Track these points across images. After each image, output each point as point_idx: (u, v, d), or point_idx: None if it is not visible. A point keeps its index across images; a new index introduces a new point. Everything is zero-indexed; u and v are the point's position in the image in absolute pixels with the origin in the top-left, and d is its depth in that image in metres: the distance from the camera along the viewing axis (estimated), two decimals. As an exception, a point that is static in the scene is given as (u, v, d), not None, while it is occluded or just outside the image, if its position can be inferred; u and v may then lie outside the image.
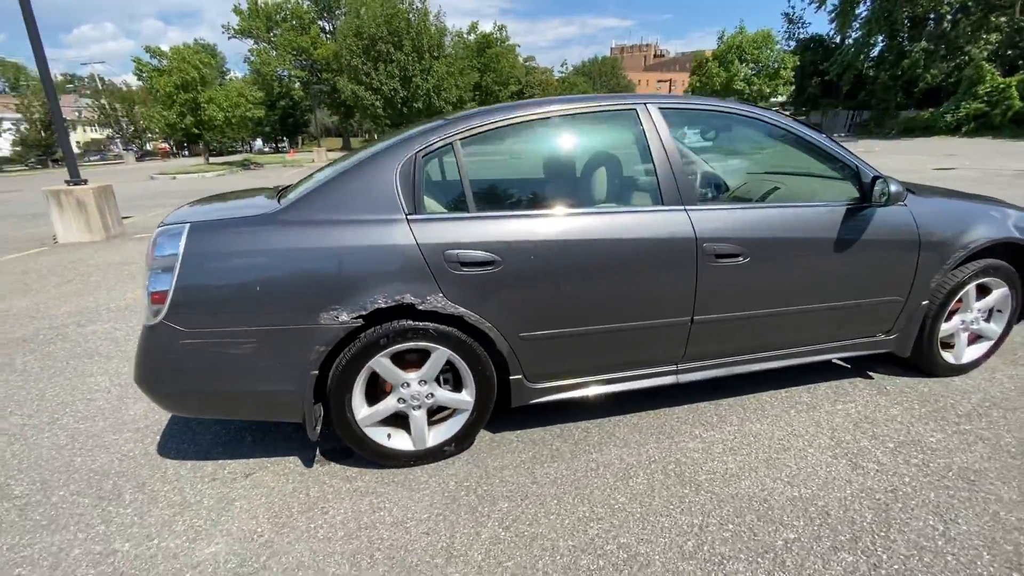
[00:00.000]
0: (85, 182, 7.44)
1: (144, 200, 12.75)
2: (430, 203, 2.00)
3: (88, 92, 48.31)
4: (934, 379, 2.60)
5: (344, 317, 1.77)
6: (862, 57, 28.96)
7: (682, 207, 2.04)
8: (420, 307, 1.81)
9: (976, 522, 1.68)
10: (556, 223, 1.95)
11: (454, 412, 2.08)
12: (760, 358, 2.32)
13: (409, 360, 1.96)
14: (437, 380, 2.02)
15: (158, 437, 2.34)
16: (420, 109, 25.42)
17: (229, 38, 43.35)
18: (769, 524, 1.71)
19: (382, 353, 1.86)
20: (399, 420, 2.04)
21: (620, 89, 71.71)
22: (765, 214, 2.16)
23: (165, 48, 21.93)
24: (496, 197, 2.37)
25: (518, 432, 2.28)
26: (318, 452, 2.17)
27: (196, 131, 22.20)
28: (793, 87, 27.77)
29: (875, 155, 17.00)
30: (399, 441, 2.03)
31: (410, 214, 1.85)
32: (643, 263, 2.02)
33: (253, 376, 1.82)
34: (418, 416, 2.01)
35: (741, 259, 2.07)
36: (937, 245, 2.32)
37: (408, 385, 1.95)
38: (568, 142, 2.37)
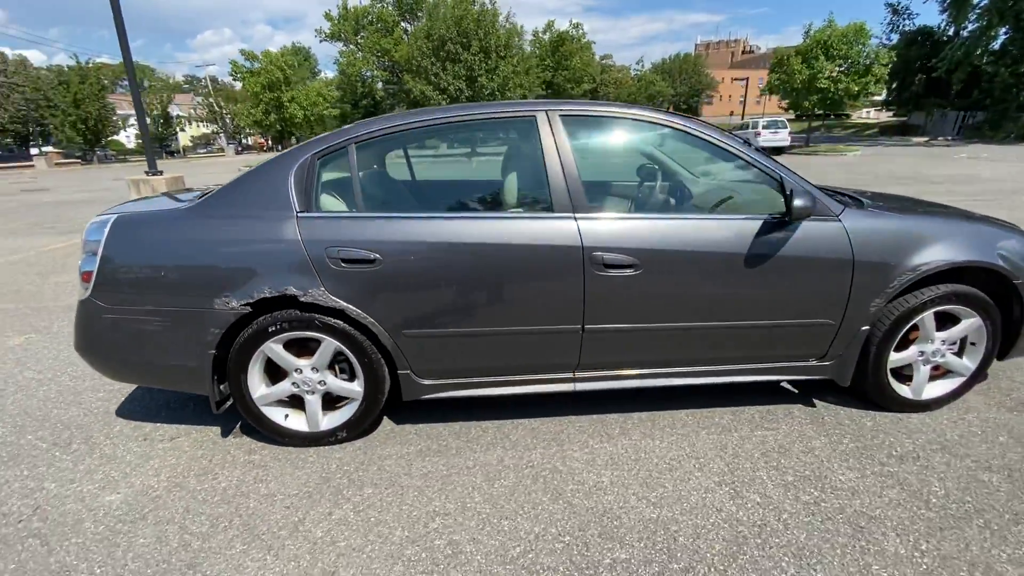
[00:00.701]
0: (160, 173, 8.43)
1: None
2: (331, 202, 2.13)
3: (202, 92, 54.09)
4: (888, 414, 2.36)
5: (234, 304, 1.95)
6: (979, 51, 25.58)
7: (571, 215, 2.03)
8: (302, 299, 1.96)
9: (838, 573, 1.55)
10: (440, 226, 2.02)
11: (350, 400, 2.21)
12: (668, 373, 2.23)
13: (310, 348, 2.11)
14: (333, 369, 2.16)
15: (123, 399, 2.68)
16: (485, 108, 25.97)
17: (320, 41, 46.60)
18: (608, 542, 1.68)
19: (272, 339, 2.03)
20: (300, 403, 2.20)
21: (699, 86, 68.59)
22: (660, 225, 2.08)
23: (258, 52, 24.19)
24: (387, 199, 2.46)
25: (420, 425, 2.37)
26: (238, 426, 2.39)
27: (279, 128, 24.30)
28: (886, 84, 25.13)
29: (974, 163, 15.08)
30: (295, 422, 2.19)
31: (301, 212, 2.00)
32: (529, 269, 2.03)
33: (162, 350, 2.05)
34: (312, 401, 2.16)
35: (632, 270, 2.02)
36: (878, 266, 2.11)
37: (301, 371, 2.11)
38: (467, 148, 2.41)
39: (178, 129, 45.48)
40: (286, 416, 2.19)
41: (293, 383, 2.13)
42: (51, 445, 2.29)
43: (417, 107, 36.86)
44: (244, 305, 1.95)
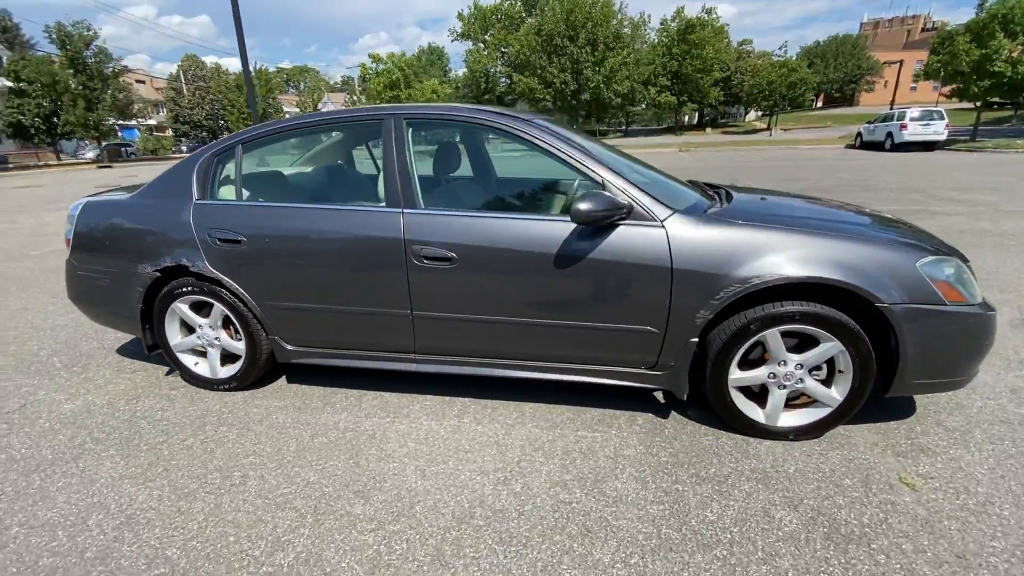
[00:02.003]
0: (267, 164, 9.98)
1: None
2: (226, 192, 2.59)
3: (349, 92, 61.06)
4: (745, 438, 2.19)
5: (149, 270, 2.51)
6: None
7: (399, 210, 2.24)
8: (191, 269, 2.45)
9: (526, 563, 1.61)
10: (290, 213, 2.37)
11: (239, 356, 2.67)
12: (503, 365, 2.33)
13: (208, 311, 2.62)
14: (229, 329, 2.64)
15: (128, 340, 3.47)
16: (588, 100, 25.61)
17: (452, 41, 49.55)
18: (357, 497, 1.90)
19: (179, 300, 2.56)
20: (206, 355, 2.72)
21: (858, 71, 59.87)
22: (476, 222, 2.18)
23: (409, 52, 26.75)
24: (265, 190, 2.81)
25: (304, 386, 2.76)
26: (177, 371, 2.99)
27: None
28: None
29: None
30: (202, 369, 2.72)
31: (197, 199, 2.49)
32: (362, 257, 2.29)
33: (112, 301, 2.70)
34: (212, 353, 2.67)
35: (449, 264, 2.17)
36: (702, 277, 1.99)
37: (202, 328, 2.62)
38: (326, 147, 2.68)
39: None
40: (195, 363, 2.73)
41: (197, 337, 2.65)
42: (63, 366, 3.11)
43: (530, 101, 36.98)
44: (155, 271, 2.50)
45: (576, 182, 2.69)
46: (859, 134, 21.98)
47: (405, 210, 2.24)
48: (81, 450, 2.25)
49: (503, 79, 48.94)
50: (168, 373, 2.95)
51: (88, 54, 28.71)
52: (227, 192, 2.59)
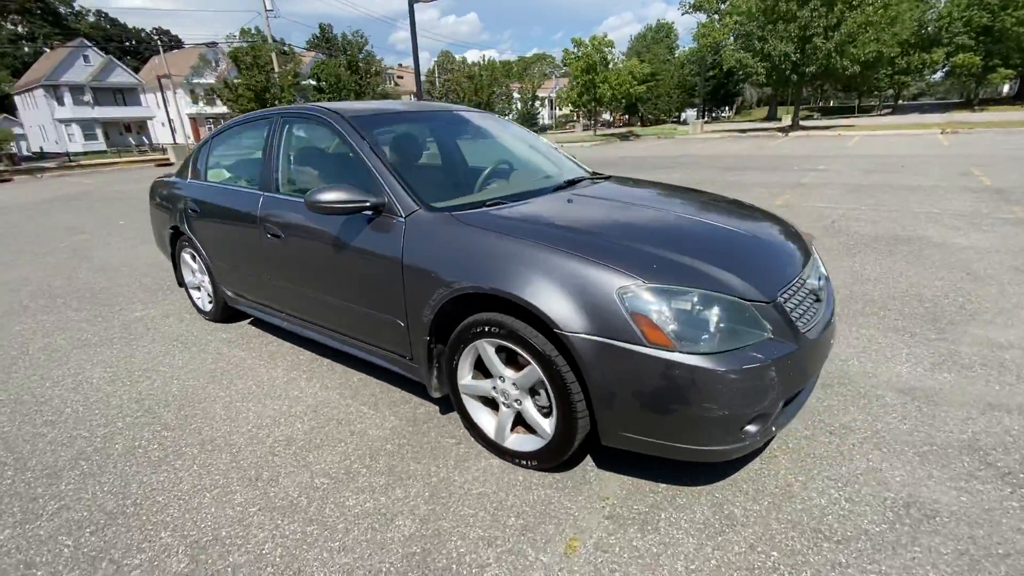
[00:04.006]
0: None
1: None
2: (213, 173, 3.45)
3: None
4: (480, 452, 2.11)
5: (168, 225, 3.59)
6: None
7: (261, 192, 2.74)
8: (180, 229, 3.43)
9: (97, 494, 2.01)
10: (212, 191, 3.11)
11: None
12: (319, 329, 2.68)
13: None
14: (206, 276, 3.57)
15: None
16: (814, 73, 21.23)
17: (683, 14, 46.38)
18: (151, 418, 2.55)
19: (183, 249, 3.59)
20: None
21: None
22: (292, 203, 2.53)
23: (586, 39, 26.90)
24: (228, 172, 3.45)
25: (253, 329, 3.54)
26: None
27: (591, 106, 26.88)
28: None
29: None
30: (201, 300, 3.74)
31: (192, 178, 3.43)
32: (242, 228, 2.87)
33: (162, 242, 3.90)
34: (198, 293, 3.66)
35: (279, 240, 2.60)
36: (422, 275, 1.98)
37: (194, 271, 3.62)
38: (259, 140, 3.09)
39: (541, 108, 55.04)
40: (197, 297, 3.77)
41: (193, 275, 3.67)
42: (144, 297, 4.56)
43: (743, 76, 32.50)
44: (170, 227, 3.57)
45: None
46: None
47: (264, 192, 2.73)
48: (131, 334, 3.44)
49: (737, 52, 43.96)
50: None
51: (360, 56, 36.49)
52: (213, 174, 3.47)
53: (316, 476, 2.01)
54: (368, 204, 2.11)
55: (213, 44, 43.04)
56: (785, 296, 1.73)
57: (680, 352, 1.51)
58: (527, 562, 1.57)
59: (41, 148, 45.27)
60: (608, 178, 2.92)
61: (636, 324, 1.54)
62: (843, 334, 2.96)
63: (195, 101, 45.37)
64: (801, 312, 1.76)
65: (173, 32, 78.24)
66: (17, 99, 47.92)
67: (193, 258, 3.57)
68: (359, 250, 2.21)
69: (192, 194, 3.34)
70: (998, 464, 1.88)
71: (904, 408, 2.24)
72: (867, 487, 1.80)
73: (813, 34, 20.37)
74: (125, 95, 47.24)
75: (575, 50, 26.55)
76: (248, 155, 3.17)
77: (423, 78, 60.92)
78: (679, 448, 1.63)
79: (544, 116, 71.69)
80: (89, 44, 46.07)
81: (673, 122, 54.96)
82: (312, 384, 2.73)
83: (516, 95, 50.26)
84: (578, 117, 54.07)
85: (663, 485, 1.87)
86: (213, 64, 43.96)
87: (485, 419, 2.07)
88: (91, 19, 66.01)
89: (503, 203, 2.19)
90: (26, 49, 54.33)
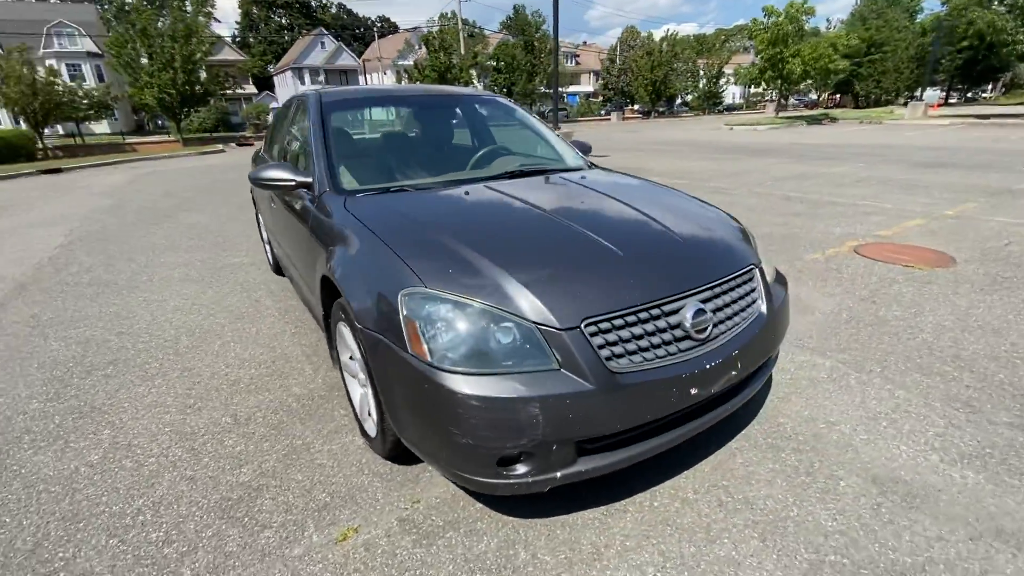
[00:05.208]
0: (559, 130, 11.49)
1: (653, 146, 16.08)
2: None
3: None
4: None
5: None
6: None
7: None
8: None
9: None
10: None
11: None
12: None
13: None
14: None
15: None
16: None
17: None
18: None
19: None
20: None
21: None
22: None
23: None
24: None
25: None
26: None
27: (777, 83, 23.13)
28: None
29: None
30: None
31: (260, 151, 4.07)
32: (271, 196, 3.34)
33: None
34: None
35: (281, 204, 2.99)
36: (318, 254, 2.13)
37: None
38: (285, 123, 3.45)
39: (727, 86, 49.60)
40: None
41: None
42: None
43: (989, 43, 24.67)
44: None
45: None
46: None
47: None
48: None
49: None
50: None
51: (536, 35, 37.36)
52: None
53: (226, 415, 2.34)
54: (295, 183, 2.31)
55: (416, 29, 48.32)
56: (604, 326, 1.44)
57: (432, 366, 1.40)
58: (300, 536, 1.66)
59: (288, 120, 56.68)
60: (592, 167, 2.81)
61: (406, 329, 1.47)
62: None
63: (399, 81, 51.94)
64: (632, 348, 1.46)
65: (393, 19, 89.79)
66: (276, 79, 60.38)
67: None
68: (304, 221, 2.42)
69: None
70: None
71: None
72: None
73: None
74: (348, 76, 56.03)
75: (765, 19, 23.10)
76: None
77: (603, 55, 59.81)
78: (445, 469, 1.52)
79: (736, 94, 64.40)
80: (326, 32, 55.53)
81: (904, 103, 44.91)
82: (293, 337, 3.11)
83: (701, 72, 46.24)
84: (773, 97, 47.69)
85: (479, 506, 1.75)
86: (416, 47, 49.52)
87: (357, 398, 2.16)
88: (333, 10, 78.91)
89: (406, 190, 2.20)
90: (287, 37, 67.83)
